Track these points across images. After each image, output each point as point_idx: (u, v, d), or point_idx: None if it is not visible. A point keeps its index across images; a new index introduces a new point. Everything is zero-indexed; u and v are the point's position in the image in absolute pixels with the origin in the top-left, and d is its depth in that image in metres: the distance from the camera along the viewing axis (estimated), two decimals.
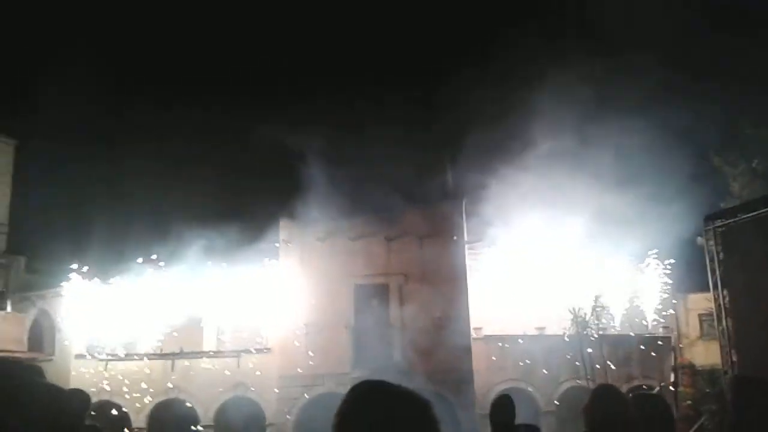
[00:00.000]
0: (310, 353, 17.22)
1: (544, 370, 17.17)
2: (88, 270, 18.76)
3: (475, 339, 17.30)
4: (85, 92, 24.25)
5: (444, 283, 16.56)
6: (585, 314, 16.49)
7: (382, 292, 17.83)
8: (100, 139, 23.61)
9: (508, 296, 17.12)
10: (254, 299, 18.23)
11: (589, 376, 15.58)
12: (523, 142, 17.24)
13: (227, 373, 17.91)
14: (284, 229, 18.78)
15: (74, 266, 18.84)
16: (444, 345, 15.29)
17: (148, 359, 18.49)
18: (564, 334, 16.54)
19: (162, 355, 18.53)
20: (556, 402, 17.20)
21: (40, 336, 19.81)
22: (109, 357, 18.54)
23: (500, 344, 17.46)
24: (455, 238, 17.42)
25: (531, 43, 20.74)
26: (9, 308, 19.37)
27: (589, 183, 15.55)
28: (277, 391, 17.54)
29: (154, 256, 18.06)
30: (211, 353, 18.46)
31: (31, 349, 19.36)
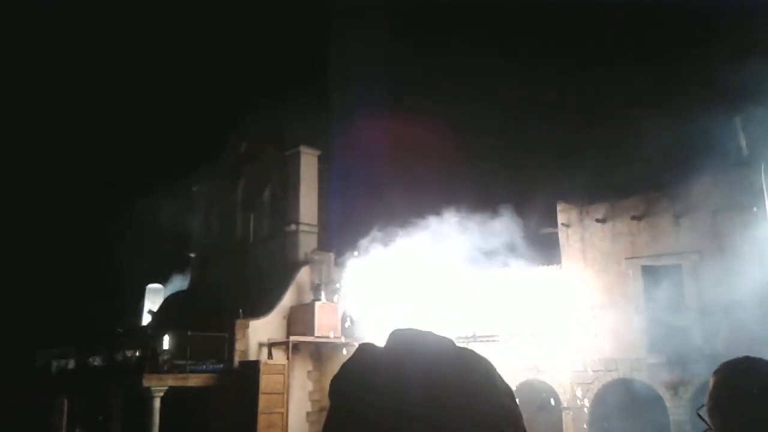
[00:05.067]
0: (599, 338, 16.97)
1: None
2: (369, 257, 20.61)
3: None
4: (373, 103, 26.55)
5: (746, 259, 15.07)
6: None
7: (673, 272, 16.83)
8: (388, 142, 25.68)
9: None
10: (539, 284, 18.49)
11: None
12: None
13: (519, 356, 18.35)
14: (562, 213, 18.73)
15: (355, 254, 20.98)
16: (751, 326, 13.95)
17: None
18: None
19: (458, 339, 19.68)
20: None
21: (350, 323, 22.37)
22: None
23: None
24: (755, 209, 15.72)
25: None
26: (323, 299, 22.21)
27: None
28: (570, 375, 17.60)
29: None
30: (503, 337, 19.05)
31: (343, 334, 22.04)
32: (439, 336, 1.05)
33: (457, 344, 1.06)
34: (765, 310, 14.45)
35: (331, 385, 1.07)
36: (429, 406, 0.93)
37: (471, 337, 18.93)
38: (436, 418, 0.92)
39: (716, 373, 1.93)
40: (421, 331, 1.05)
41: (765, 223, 15.61)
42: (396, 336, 1.05)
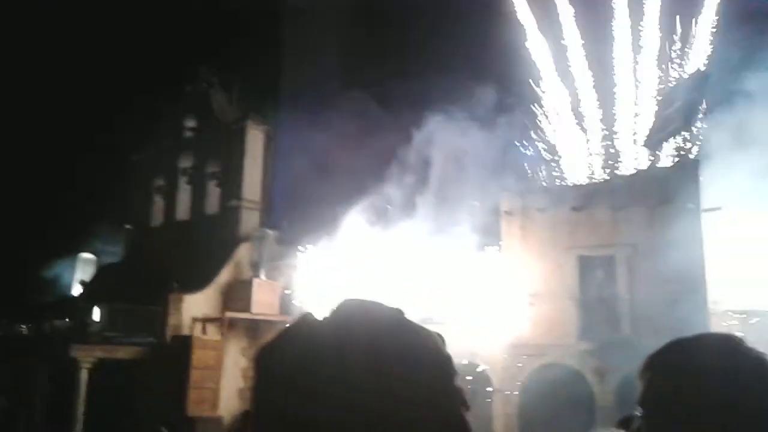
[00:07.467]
0: (533, 323, 17.33)
1: None
2: (319, 241, 20.58)
3: (713, 314, 16.05)
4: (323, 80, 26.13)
5: (678, 254, 15.57)
6: None
7: (608, 263, 17.30)
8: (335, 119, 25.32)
9: (758, 267, 15.56)
10: (477, 270, 18.68)
11: None
12: None
13: (457, 339, 18.43)
14: (505, 201, 18.97)
15: (308, 238, 20.87)
16: (678, 320, 14.47)
17: None
18: None
19: None
20: None
21: (288, 302, 22.20)
22: None
23: (745, 320, 15.98)
24: (690, 206, 16.27)
25: None
26: (263, 276, 21.94)
27: None
28: (503, 359, 17.90)
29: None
30: (443, 319, 19.06)
31: (281, 313, 21.85)
32: (388, 307, 1.01)
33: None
34: (693, 305, 15.00)
35: (259, 352, 1.00)
36: (372, 378, 0.90)
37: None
38: (379, 390, 0.89)
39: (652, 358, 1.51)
40: (370, 301, 1.01)
41: (698, 219, 16.18)
42: (344, 305, 1.00)
